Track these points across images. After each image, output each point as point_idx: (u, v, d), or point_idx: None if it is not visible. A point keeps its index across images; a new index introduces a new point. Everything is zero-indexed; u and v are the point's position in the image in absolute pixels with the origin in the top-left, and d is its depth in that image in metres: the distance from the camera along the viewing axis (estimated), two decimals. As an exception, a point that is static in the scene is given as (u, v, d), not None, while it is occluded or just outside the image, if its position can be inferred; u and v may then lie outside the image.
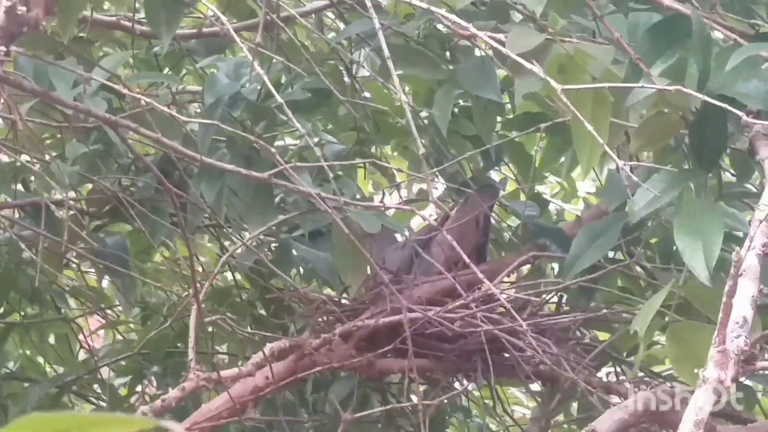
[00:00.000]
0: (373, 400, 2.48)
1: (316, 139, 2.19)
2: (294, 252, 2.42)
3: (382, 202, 2.65)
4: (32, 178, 2.42)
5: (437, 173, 2.20)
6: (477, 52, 2.16)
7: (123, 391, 2.68)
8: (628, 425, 1.72)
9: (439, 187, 2.51)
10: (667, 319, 1.73)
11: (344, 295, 2.45)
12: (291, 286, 2.26)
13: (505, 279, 2.31)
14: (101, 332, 2.98)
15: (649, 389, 1.80)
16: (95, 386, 2.71)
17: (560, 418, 2.51)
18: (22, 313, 2.66)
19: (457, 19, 1.61)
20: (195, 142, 2.12)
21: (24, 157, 2.21)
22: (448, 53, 2.26)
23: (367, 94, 2.45)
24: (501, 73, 2.12)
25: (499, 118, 2.37)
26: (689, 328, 1.68)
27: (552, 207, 2.86)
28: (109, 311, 2.83)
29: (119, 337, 2.80)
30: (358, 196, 2.34)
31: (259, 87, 2.11)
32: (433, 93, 2.16)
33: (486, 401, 2.55)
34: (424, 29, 2.21)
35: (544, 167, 2.54)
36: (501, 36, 1.84)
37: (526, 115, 2.33)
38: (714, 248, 1.53)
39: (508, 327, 2.08)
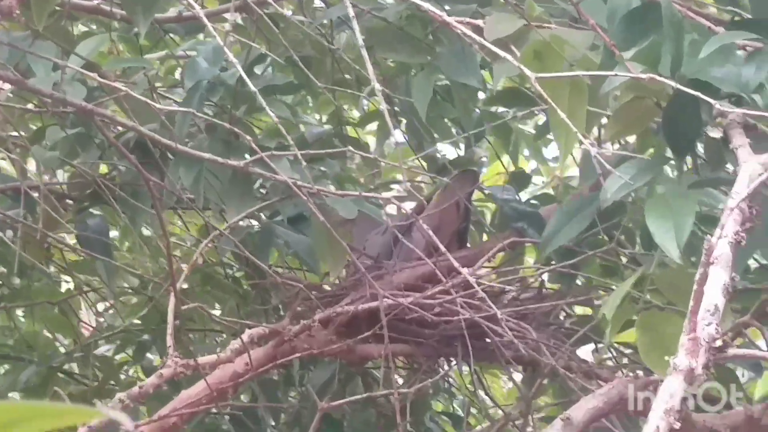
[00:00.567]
0: (356, 383, 2.48)
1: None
2: (277, 236, 2.42)
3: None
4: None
5: (417, 159, 2.19)
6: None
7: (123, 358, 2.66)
8: (602, 413, 1.72)
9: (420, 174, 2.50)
10: (641, 303, 1.73)
11: (326, 280, 2.44)
12: (270, 272, 2.24)
13: (486, 264, 2.31)
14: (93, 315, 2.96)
15: (625, 376, 1.80)
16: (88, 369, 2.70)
17: (543, 400, 2.52)
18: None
19: (432, 8, 1.60)
20: (174, 125, 2.11)
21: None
22: (430, 36, 2.24)
23: (347, 76, 2.43)
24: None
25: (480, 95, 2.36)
26: (659, 317, 1.68)
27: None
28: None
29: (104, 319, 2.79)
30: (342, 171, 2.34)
31: (238, 69, 2.10)
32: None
33: (468, 386, 2.55)
34: (406, 11, 2.20)
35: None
36: (480, 21, 1.84)
37: (508, 91, 2.31)
38: (685, 228, 1.53)
39: (488, 313, 2.07)
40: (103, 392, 2.58)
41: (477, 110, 2.33)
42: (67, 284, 2.83)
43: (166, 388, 2.05)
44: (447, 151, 2.55)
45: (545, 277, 2.30)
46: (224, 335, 2.52)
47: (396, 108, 2.26)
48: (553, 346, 2.15)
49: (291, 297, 2.31)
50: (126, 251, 2.62)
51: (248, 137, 1.84)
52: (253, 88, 1.63)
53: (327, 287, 2.42)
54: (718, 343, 1.29)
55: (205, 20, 1.61)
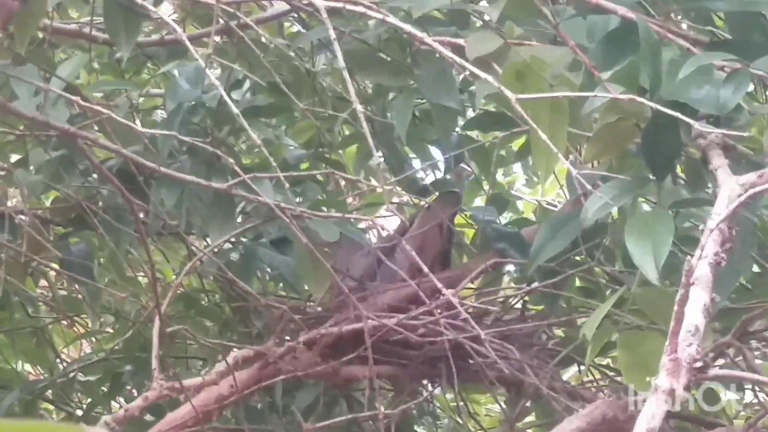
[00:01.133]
0: (340, 406, 2.47)
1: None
2: (260, 258, 2.42)
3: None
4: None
5: (396, 181, 2.19)
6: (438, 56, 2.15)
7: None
8: (585, 434, 1.73)
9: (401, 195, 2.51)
10: (621, 324, 1.73)
11: (309, 302, 2.44)
12: (254, 294, 2.24)
13: (470, 285, 2.31)
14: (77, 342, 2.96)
15: (608, 397, 1.80)
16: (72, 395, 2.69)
17: (528, 420, 2.52)
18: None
19: (412, 29, 1.61)
20: (157, 147, 2.11)
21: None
22: (409, 59, 2.25)
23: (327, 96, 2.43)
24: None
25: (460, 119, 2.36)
26: (640, 336, 1.68)
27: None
28: (77, 319, 2.81)
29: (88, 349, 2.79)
30: (321, 197, 2.34)
31: (220, 91, 2.11)
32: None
33: (452, 408, 2.55)
34: (385, 33, 2.20)
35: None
36: (460, 40, 1.84)
37: (487, 114, 2.32)
38: (663, 248, 1.53)
39: (471, 334, 2.08)
40: (89, 419, 2.57)
41: (456, 133, 2.33)
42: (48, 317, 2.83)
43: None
44: (426, 173, 2.55)
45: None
46: (206, 361, 2.51)
47: (375, 129, 2.27)
48: (536, 367, 2.15)
49: (275, 319, 2.31)
50: (108, 274, 2.61)
51: (231, 159, 1.84)
52: (235, 109, 1.64)
53: (310, 309, 2.42)
54: (699, 363, 1.30)
55: (187, 42, 1.61)
